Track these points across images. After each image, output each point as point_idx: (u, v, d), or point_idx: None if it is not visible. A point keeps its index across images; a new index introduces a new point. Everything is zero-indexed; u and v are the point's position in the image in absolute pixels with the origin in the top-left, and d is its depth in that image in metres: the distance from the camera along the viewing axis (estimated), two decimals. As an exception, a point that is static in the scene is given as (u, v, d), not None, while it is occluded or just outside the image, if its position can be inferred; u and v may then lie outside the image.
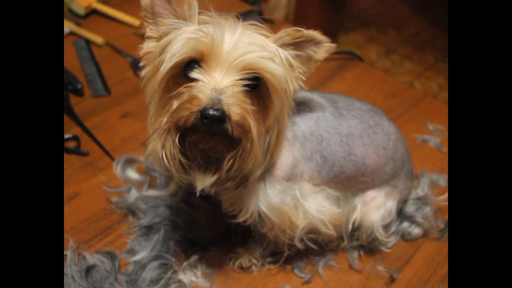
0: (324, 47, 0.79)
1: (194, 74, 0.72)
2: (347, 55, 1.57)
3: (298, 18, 2.72)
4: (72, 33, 1.51)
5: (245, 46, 0.72)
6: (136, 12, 1.60)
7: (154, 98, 0.77)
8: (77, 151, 1.16)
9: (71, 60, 1.41)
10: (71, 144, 1.18)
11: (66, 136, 1.19)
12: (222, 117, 0.70)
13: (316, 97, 0.92)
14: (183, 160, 0.76)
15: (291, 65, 0.77)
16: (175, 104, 0.73)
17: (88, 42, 1.48)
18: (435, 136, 1.30)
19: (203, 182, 0.78)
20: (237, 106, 0.71)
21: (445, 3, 3.36)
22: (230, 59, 0.71)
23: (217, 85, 0.71)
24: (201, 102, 0.70)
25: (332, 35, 2.93)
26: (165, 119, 0.74)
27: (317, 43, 0.78)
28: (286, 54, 0.77)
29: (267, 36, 0.76)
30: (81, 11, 1.57)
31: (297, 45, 0.78)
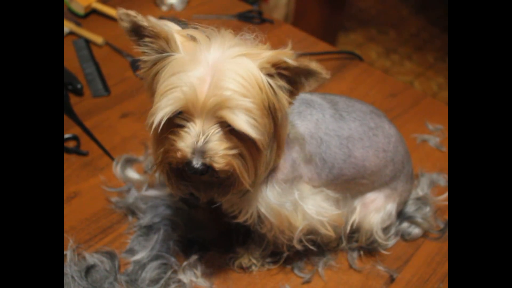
0: (318, 78, 0.73)
1: (178, 120, 0.74)
2: (347, 55, 1.57)
3: (298, 18, 2.72)
4: (72, 33, 1.51)
5: (220, 95, 0.69)
6: (136, 12, 1.61)
7: (150, 134, 0.78)
8: (77, 151, 1.16)
9: (71, 60, 1.41)
10: (71, 144, 1.18)
11: (66, 136, 1.19)
12: (205, 170, 0.73)
13: (316, 98, 0.91)
14: (182, 183, 0.80)
15: (276, 93, 0.74)
16: (166, 145, 0.76)
17: (87, 42, 1.48)
18: (435, 136, 1.30)
19: (204, 198, 0.83)
20: (219, 156, 0.73)
21: (445, 3, 3.36)
22: (206, 109, 0.71)
23: (199, 136, 0.73)
24: (185, 156, 0.73)
25: (332, 34, 2.91)
26: (159, 157, 0.78)
27: (312, 74, 0.72)
28: (271, 82, 0.72)
29: (256, 56, 0.72)
30: (80, 11, 1.57)
31: (290, 71, 0.72)
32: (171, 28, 0.75)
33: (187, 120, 0.73)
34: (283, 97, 0.74)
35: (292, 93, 0.75)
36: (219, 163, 0.73)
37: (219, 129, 0.73)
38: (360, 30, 3.24)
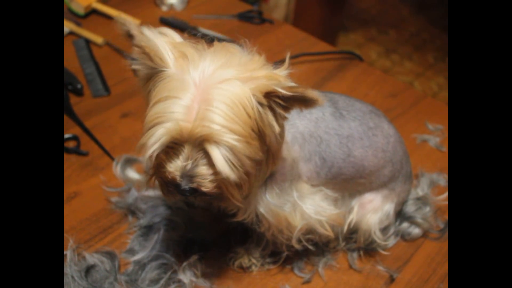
0: (313, 105, 0.71)
1: (170, 143, 0.73)
2: (347, 55, 1.57)
3: (298, 18, 2.72)
4: (71, 33, 1.51)
5: (206, 128, 0.69)
6: (136, 12, 1.61)
7: None
8: (77, 151, 1.16)
9: (71, 60, 1.41)
10: (71, 144, 1.18)
11: (66, 136, 1.19)
12: (193, 192, 0.75)
13: None
14: (175, 193, 0.79)
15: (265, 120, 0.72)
16: (158, 161, 0.76)
17: (88, 42, 1.48)
18: (435, 136, 1.30)
19: (199, 202, 0.84)
20: (208, 180, 0.74)
21: (445, 3, 3.36)
22: (193, 138, 0.70)
23: (187, 160, 0.73)
24: (174, 178, 0.74)
25: (332, 34, 2.91)
26: (151, 171, 0.79)
27: (307, 101, 0.70)
28: (261, 111, 0.70)
29: (247, 79, 0.70)
30: (81, 11, 1.57)
31: (284, 100, 0.71)
32: (163, 40, 0.72)
33: (177, 143, 0.72)
34: (274, 123, 0.72)
35: (285, 116, 0.74)
36: (207, 187, 0.74)
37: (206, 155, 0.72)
38: (360, 30, 3.24)
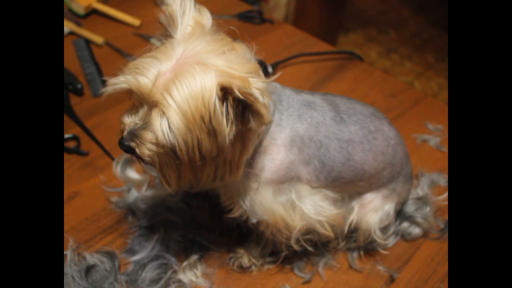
0: (261, 119, 0.71)
1: (137, 98, 0.76)
2: (347, 55, 1.57)
3: (298, 18, 2.72)
4: (72, 33, 1.51)
5: (162, 96, 0.70)
6: (136, 12, 1.61)
7: None
8: (77, 151, 1.16)
9: (71, 60, 1.41)
10: (71, 144, 1.18)
11: (66, 136, 1.19)
12: (129, 151, 0.77)
13: (318, 100, 0.90)
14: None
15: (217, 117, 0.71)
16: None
17: (88, 42, 1.48)
18: (435, 136, 1.30)
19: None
20: (145, 147, 0.75)
21: (445, 3, 3.36)
22: (149, 101, 0.72)
23: (139, 119, 0.76)
24: (123, 131, 0.78)
25: (332, 34, 2.91)
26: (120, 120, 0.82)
27: (255, 113, 0.70)
28: (217, 105, 0.70)
29: (224, 73, 0.70)
30: (81, 11, 1.57)
31: (238, 102, 0.70)
32: (189, 14, 0.76)
33: (141, 102, 0.75)
34: (225, 123, 0.71)
35: (243, 125, 0.73)
36: (142, 152, 0.76)
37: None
38: (360, 30, 3.24)
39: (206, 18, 0.78)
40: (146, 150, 0.76)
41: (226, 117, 0.71)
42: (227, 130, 0.72)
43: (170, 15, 0.77)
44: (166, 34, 0.78)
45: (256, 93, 0.68)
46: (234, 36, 0.80)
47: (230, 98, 0.70)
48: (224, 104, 0.70)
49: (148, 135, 0.75)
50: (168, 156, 0.75)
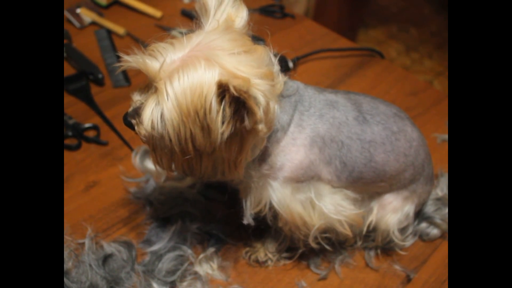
0: (253, 117, 0.69)
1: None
2: (368, 52, 1.56)
3: (318, 13, 2.70)
4: (94, 23, 1.51)
5: (163, 82, 0.71)
6: (158, 3, 1.61)
7: None
8: (97, 141, 1.17)
9: (92, 50, 1.42)
10: (91, 134, 1.19)
11: (86, 125, 1.19)
12: (130, 126, 0.79)
13: (340, 99, 0.89)
14: None
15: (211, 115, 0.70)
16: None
17: (109, 32, 1.48)
18: (456, 136, 1.28)
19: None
20: (143, 126, 0.75)
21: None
22: (153, 83, 0.73)
23: (143, 99, 0.77)
24: (130, 105, 0.79)
25: (351, 31, 2.88)
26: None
27: (248, 110, 0.68)
28: (213, 103, 0.69)
29: (228, 74, 0.69)
30: (103, 1, 1.57)
31: (233, 99, 0.69)
32: (224, 10, 0.77)
33: (151, 83, 0.75)
34: (219, 122, 0.70)
35: (240, 125, 0.71)
36: (139, 131, 0.77)
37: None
38: (380, 27, 3.21)
39: (241, 16, 0.77)
40: (142, 130, 0.76)
41: (222, 116, 0.70)
42: (221, 129, 0.70)
43: (204, 5, 0.76)
44: (198, 24, 0.78)
45: (254, 92, 0.68)
46: (257, 33, 0.79)
47: (227, 96, 0.68)
48: (222, 103, 0.69)
49: (149, 118, 0.75)
50: (162, 141, 0.75)
